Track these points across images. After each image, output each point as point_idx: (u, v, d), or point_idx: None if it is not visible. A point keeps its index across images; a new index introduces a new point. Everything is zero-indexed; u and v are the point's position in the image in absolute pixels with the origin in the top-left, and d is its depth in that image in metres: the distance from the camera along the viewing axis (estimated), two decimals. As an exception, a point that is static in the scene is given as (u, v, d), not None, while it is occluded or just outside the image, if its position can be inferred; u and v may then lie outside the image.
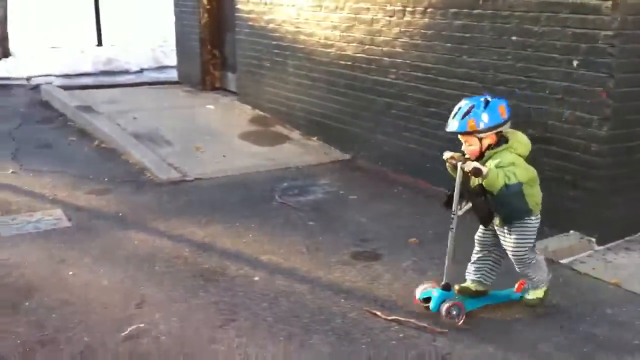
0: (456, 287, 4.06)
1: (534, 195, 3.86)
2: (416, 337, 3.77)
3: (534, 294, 4.08)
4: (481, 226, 4.02)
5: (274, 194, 6.13)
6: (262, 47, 8.64)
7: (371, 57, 6.80)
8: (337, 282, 4.45)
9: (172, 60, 12.42)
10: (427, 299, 3.99)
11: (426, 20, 6.09)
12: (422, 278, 4.42)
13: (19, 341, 3.69)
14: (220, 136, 7.96)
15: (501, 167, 3.68)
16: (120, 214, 5.56)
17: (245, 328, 3.85)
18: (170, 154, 7.19)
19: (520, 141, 3.83)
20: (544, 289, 4.08)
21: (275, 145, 7.69)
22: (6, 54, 12.82)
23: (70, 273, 4.51)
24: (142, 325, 3.86)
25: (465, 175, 3.76)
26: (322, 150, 7.51)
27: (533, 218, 3.87)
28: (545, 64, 5.10)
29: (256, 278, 4.49)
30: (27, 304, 4.09)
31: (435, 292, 3.95)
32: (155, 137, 7.76)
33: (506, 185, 3.66)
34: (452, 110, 3.84)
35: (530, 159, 3.91)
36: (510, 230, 3.88)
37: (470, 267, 4.13)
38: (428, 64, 6.14)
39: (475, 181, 3.77)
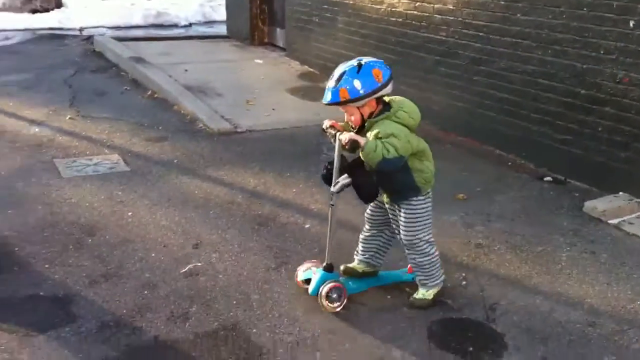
0: (342, 267, 3.83)
1: (424, 171, 3.48)
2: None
3: (422, 294, 3.67)
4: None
5: (322, 147, 6.23)
6: (312, 2, 8.67)
7: (422, 14, 6.80)
8: (386, 232, 4.56)
9: (220, 15, 12.53)
10: (309, 281, 3.69)
11: (481, -23, 6.07)
12: (470, 232, 4.54)
13: (84, 274, 3.92)
14: (269, 90, 8.07)
15: (379, 138, 3.29)
16: (175, 161, 5.75)
17: (297, 271, 4.01)
18: (221, 105, 7.34)
19: (407, 110, 3.42)
20: (435, 290, 3.65)
21: (324, 101, 7.76)
22: (59, 4, 13.06)
23: (130, 214, 4.71)
24: (200, 264, 4.06)
25: (344, 147, 3.37)
26: (370, 106, 7.57)
27: (421, 197, 3.50)
28: (600, 24, 5.07)
29: (307, 225, 4.64)
30: (90, 240, 4.32)
31: (316, 273, 3.65)
32: (205, 89, 7.91)
33: (385, 159, 3.25)
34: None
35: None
36: (399, 209, 3.55)
37: (359, 247, 3.86)
38: (480, 22, 6.13)
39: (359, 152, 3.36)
